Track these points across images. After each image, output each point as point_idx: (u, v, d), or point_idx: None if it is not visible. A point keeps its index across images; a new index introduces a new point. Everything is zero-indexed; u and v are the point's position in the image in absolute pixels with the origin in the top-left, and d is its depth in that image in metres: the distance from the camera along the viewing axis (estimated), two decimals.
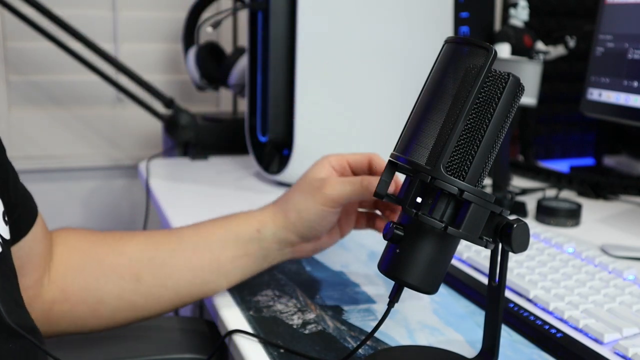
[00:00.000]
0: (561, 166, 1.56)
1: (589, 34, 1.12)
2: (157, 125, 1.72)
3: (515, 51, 1.18)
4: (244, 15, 1.63)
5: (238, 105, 1.65)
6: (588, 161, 1.67)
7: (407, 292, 0.56)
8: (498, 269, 0.57)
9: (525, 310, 0.70)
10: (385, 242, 0.55)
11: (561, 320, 0.68)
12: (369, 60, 1.15)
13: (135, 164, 1.72)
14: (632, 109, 1.00)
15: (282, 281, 0.79)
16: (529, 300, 0.73)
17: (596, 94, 1.06)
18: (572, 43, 1.24)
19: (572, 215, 1.04)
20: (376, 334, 0.57)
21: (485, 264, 0.79)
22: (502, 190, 1.08)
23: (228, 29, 1.74)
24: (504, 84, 0.50)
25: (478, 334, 0.63)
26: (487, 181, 1.14)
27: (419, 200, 0.52)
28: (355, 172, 0.73)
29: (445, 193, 0.51)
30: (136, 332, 0.81)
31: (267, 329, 0.67)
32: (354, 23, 1.13)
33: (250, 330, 0.67)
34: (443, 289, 0.78)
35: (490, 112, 0.50)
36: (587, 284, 0.74)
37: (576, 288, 0.73)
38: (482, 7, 1.35)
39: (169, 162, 1.44)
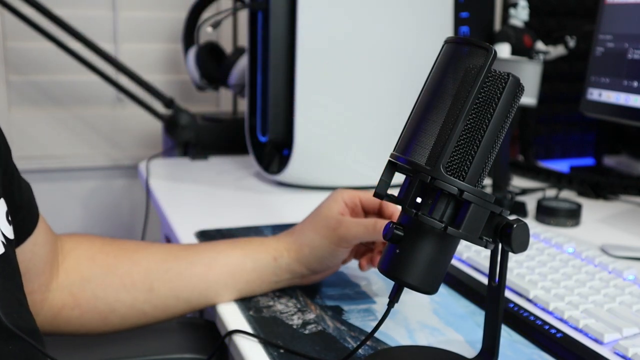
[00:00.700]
0: (561, 166, 1.56)
1: (589, 34, 1.12)
2: (157, 125, 1.72)
3: (515, 51, 1.18)
4: (244, 15, 1.64)
5: (238, 105, 1.65)
6: (588, 161, 1.67)
7: (407, 292, 0.56)
8: (498, 269, 0.57)
9: (525, 310, 0.70)
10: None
11: (561, 320, 0.68)
12: (368, 60, 1.15)
13: (135, 164, 1.72)
14: (632, 109, 1.00)
15: None
16: (529, 300, 0.73)
17: (596, 94, 1.06)
18: (572, 43, 1.24)
19: (572, 215, 1.04)
20: (376, 334, 0.57)
21: (485, 264, 0.79)
22: (502, 190, 1.08)
23: (228, 29, 1.74)
24: (503, 84, 0.50)
25: (478, 334, 0.63)
26: (487, 181, 1.14)
27: (418, 200, 0.52)
28: (365, 210, 0.75)
29: (445, 193, 0.51)
30: (136, 332, 0.81)
31: (267, 329, 0.67)
32: (353, 23, 1.13)
33: (250, 330, 0.67)
34: (443, 289, 0.78)
35: (490, 112, 0.50)
36: (587, 284, 0.74)
37: (576, 288, 0.73)
38: (482, 7, 1.35)
39: (169, 162, 1.44)
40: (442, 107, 0.51)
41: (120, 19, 1.70)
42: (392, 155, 0.54)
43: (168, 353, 0.80)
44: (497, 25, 1.42)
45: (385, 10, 1.14)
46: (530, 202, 1.11)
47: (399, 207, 0.56)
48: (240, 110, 1.63)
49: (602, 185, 1.22)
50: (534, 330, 0.66)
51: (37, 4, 1.39)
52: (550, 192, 1.21)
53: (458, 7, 1.27)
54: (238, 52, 1.45)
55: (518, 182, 1.31)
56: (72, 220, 1.77)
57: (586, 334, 0.65)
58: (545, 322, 0.67)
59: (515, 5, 1.20)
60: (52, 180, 1.73)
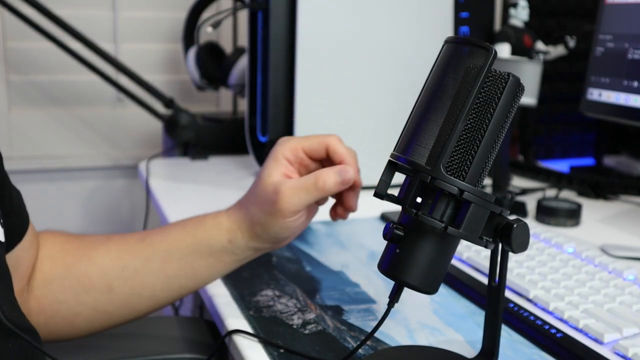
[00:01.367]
0: (561, 166, 1.56)
1: (589, 34, 1.12)
2: (157, 125, 1.72)
3: (515, 51, 1.18)
4: (244, 15, 1.64)
5: (238, 105, 1.65)
6: (588, 161, 1.67)
7: (407, 292, 0.56)
8: (498, 269, 0.57)
9: (525, 310, 0.70)
10: (385, 242, 0.55)
11: (561, 320, 0.68)
12: (368, 60, 1.15)
13: (135, 164, 1.72)
14: (632, 109, 1.00)
15: (282, 281, 0.79)
16: (529, 300, 0.73)
17: (596, 94, 1.06)
18: (572, 43, 1.24)
19: (572, 215, 1.04)
20: (376, 334, 0.57)
21: (485, 264, 0.79)
22: (502, 190, 1.08)
23: (228, 29, 1.74)
24: (504, 84, 0.50)
25: (478, 334, 0.63)
26: (487, 181, 1.14)
27: (419, 200, 0.52)
28: (312, 159, 0.68)
29: (445, 193, 0.51)
30: (136, 332, 0.81)
31: (267, 329, 0.67)
32: (353, 23, 1.13)
33: (250, 330, 0.67)
34: (443, 289, 0.78)
35: (490, 112, 0.50)
36: (587, 284, 0.74)
37: (576, 288, 0.73)
38: (482, 7, 1.35)
39: (169, 162, 1.44)
40: (442, 107, 0.51)
41: (120, 19, 1.70)
42: (392, 155, 0.54)
43: (168, 353, 0.80)
44: (497, 25, 1.42)
45: (385, 10, 1.14)
46: (530, 202, 1.11)
47: (347, 151, 0.56)
48: (240, 110, 1.63)
49: (602, 185, 1.22)
50: (534, 330, 0.66)
51: (37, 4, 1.39)
52: (550, 192, 1.21)
53: (458, 7, 1.27)
54: (238, 52, 1.45)
55: (518, 182, 1.31)
56: (72, 220, 1.77)
57: (586, 334, 0.65)
58: (545, 322, 0.67)
59: (515, 5, 1.20)
60: (52, 180, 1.73)
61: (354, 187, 0.68)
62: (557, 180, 1.29)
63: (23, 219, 0.66)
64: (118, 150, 1.79)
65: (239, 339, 0.66)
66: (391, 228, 0.54)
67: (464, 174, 0.50)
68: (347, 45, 1.13)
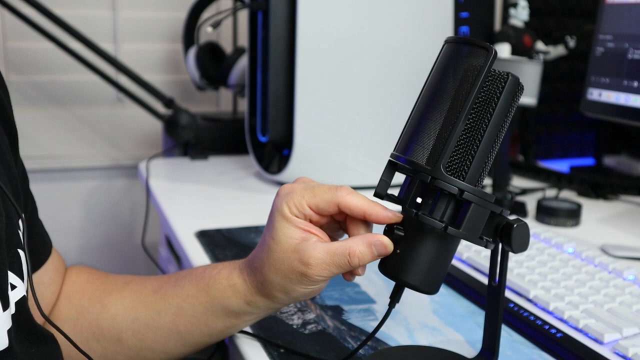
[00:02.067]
0: (561, 166, 1.56)
1: (589, 34, 1.12)
2: (157, 125, 1.72)
3: (515, 51, 1.18)
4: (244, 15, 1.64)
5: (238, 105, 1.65)
6: (588, 161, 1.67)
7: (407, 292, 0.56)
8: (498, 269, 0.57)
9: (525, 310, 0.70)
10: None
11: (561, 320, 0.68)
12: (368, 60, 1.15)
13: (135, 164, 1.72)
14: (632, 109, 1.00)
15: None
16: (529, 300, 0.73)
17: (596, 94, 1.06)
18: (572, 43, 1.24)
19: (572, 215, 1.04)
20: (376, 334, 0.57)
21: (485, 264, 0.79)
22: (502, 190, 1.08)
23: (228, 29, 1.74)
24: (503, 84, 0.50)
25: (478, 334, 0.63)
26: (487, 181, 1.14)
27: (419, 200, 0.52)
28: (320, 214, 0.59)
29: (446, 193, 0.51)
30: None
31: (267, 329, 0.67)
32: (353, 23, 1.13)
33: (250, 330, 0.67)
34: (443, 289, 0.78)
35: (490, 112, 0.50)
36: (587, 284, 0.74)
37: (576, 288, 0.73)
38: (482, 7, 1.35)
39: (169, 162, 1.44)
40: (442, 107, 0.51)
41: (120, 19, 1.70)
42: (392, 155, 0.54)
43: None
44: (497, 25, 1.42)
45: (385, 10, 1.14)
46: (530, 202, 1.11)
47: (363, 200, 0.53)
48: (240, 110, 1.63)
49: (602, 185, 1.22)
50: (534, 330, 0.66)
51: (37, 4, 1.39)
52: (550, 192, 1.21)
53: (458, 7, 1.27)
54: (238, 52, 1.45)
55: (518, 182, 1.31)
56: (72, 220, 1.77)
57: (586, 334, 0.65)
58: (545, 322, 0.67)
59: (515, 5, 1.20)
60: (52, 180, 1.73)
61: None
62: (557, 180, 1.29)
63: (45, 242, 0.65)
64: (118, 150, 1.79)
65: (239, 339, 0.66)
66: (391, 228, 0.54)
67: (464, 174, 0.50)
68: (347, 46, 1.13)
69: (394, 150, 0.54)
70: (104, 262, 1.81)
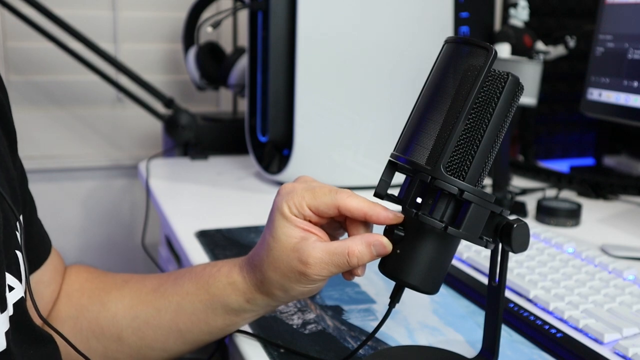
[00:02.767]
0: (561, 166, 1.56)
1: (589, 34, 1.12)
2: (157, 125, 1.72)
3: (515, 51, 1.18)
4: (244, 15, 1.64)
5: (238, 105, 1.65)
6: (588, 161, 1.68)
7: (407, 292, 0.56)
8: (498, 269, 0.57)
9: (525, 310, 0.70)
10: None
11: (561, 320, 0.68)
12: (368, 60, 1.15)
13: (135, 164, 1.72)
14: (632, 109, 1.00)
15: None
16: (529, 300, 0.73)
17: (596, 94, 1.06)
18: (572, 43, 1.24)
19: (572, 215, 1.04)
20: (376, 334, 0.57)
21: (485, 264, 0.79)
22: (502, 190, 1.08)
23: (228, 29, 1.74)
24: (503, 84, 0.50)
25: (478, 334, 0.63)
26: (487, 181, 1.14)
27: (419, 200, 0.52)
28: (320, 215, 0.59)
29: (446, 193, 0.51)
30: None
31: (267, 329, 0.67)
32: (353, 23, 1.13)
33: (250, 330, 0.67)
34: (443, 289, 0.78)
35: (489, 112, 0.50)
36: (587, 284, 0.74)
37: (576, 288, 0.73)
38: (482, 7, 1.35)
39: (169, 162, 1.44)
40: (442, 107, 0.51)
41: (120, 19, 1.70)
42: (392, 155, 0.54)
43: None
44: (497, 25, 1.42)
45: (385, 10, 1.14)
46: (530, 202, 1.11)
47: (363, 202, 0.53)
48: (240, 110, 1.63)
49: (602, 185, 1.22)
50: (534, 330, 0.66)
51: (37, 4, 1.39)
52: (550, 192, 1.21)
53: (458, 7, 1.27)
54: (238, 52, 1.45)
55: (518, 182, 1.31)
56: (72, 220, 1.77)
57: (586, 334, 0.65)
58: (545, 322, 0.67)
59: (515, 5, 1.20)
60: (52, 180, 1.73)
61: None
62: (557, 180, 1.29)
63: (45, 242, 0.65)
64: (118, 150, 1.79)
65: (239, 339, 0.66)
66: (391, 228, 0.54)
67: (464, 174, 0.50)
68: (347, 45, 1.13)
69: (394, 150, 0.54)
70: (104, 262, 1.81)
